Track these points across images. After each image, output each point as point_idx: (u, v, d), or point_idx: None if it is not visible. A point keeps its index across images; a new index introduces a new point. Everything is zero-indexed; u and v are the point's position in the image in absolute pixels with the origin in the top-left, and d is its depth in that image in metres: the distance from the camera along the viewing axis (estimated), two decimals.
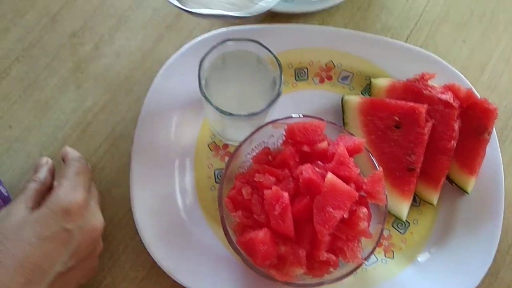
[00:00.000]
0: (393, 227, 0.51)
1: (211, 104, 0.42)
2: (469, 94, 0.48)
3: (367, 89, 0.55)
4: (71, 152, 0.45)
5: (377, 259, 0.50)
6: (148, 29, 0.58)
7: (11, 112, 0.53)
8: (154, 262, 0.47)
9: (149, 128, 0.51)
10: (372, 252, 0.44)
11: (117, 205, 0.51)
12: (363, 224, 0.42)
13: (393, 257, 0.50)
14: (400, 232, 0.51)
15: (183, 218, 0.49)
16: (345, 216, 0.41)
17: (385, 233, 0.51)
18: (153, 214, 0.48)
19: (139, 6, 0.58)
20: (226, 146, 0.53)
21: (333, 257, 0.42)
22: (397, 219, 0.50)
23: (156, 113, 0.52)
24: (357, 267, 0.44)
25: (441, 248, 0.50)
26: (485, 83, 0.59)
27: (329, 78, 0.56)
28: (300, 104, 0.55)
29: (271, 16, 0.58)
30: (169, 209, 0.49)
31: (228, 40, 0.43)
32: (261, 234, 0.41)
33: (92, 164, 0.52)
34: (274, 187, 0.42)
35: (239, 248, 0.43)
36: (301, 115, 0.48)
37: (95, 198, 0.45)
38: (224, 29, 0.55)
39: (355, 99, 0.52)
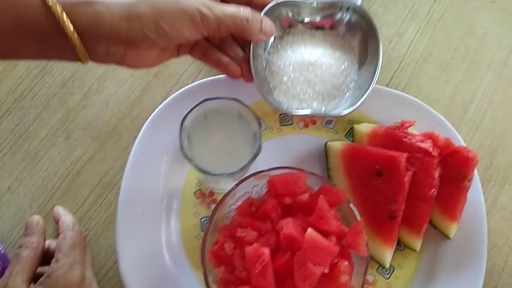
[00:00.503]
0: (378, 272, 0.52)
1: (192, 164, 0.43)
2: (448, 143, 0.49)
3: (351, 132, 0.56)
4: (64, 216, 0.47)
5: None
6: (136, 77, 0.59)
7: (1, 164, 0.55)
8: None
9: (136, 178, 0.52)
10: None
11: (105, 255, 0.52)
12: (344, 278, 0.43)
13: None
14: (384, 277, 0.52)
15: (169, 268, 0.50)
16: (326, 271, 0.42)
17: (370, 278, 0.52)
18: (139, 265, 0.49)
19: None
20: (212, 193, 0.54)
21: None
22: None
23: (143, 162, 0.53)
24: None
25: None
26: (469, 123, 0.59)
27: (313, 122, 0.57)
28: (285, 148, 0.56)
29: None
30: (156, 259, 0.50)
31: (208, 99, 0.44)
32: None
33: (81, 214, 0.53)
34: (255, 244, 0.42)
35: None
36: (283, 166, 0.48)
37: (90, 265, 0.46)
38: (210, 78, 0.56)
39: (338, 146, 0.53)
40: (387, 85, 0.60)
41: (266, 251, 0.42)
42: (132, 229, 0.50)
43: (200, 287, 0.50)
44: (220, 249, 0.45)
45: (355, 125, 0.54)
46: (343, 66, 0.50)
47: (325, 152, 0.54)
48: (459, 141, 0.53)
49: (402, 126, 0.51)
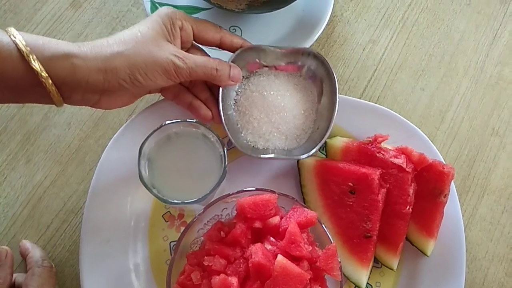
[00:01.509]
0: None
1: (152, 193, 0.41)
2: (422, 158, 0.47)
3: (324, 147, 0.54)
4: (32, 251, 0.44)
5: None
6: None
7: None
8: None
9: (99, 202, 0.50)
10: None
11: (70, 285, 0.50)
12: None
13: None
14: None
15: None
16: None
17: None
18: None
19: None
20: (181, 215, 0.52)
21: None
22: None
23: (107, 185, 0.50)
24: None
25: None
26: (446, 132, 0.58)
27: None
28: (257, 165, 0.54)
29: None
30: None
31: (172, 122, 0.42)
32: None
33: (44, 242, 0.51)
34: (222, 275, 0.40)
35: None
36: (253, 188, 0.46)
37: None
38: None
39: (310, 162, 0.51)
40: (361, 95, 0.58)
41: (235, 280, 0.40)
42: (97, 257, 0.48)
43: None
44: (186, 279, 0.43)
45: (328, 140, 0.53)
46: (304, 108, 0.52)
47: (298, 169, 0.52)
48: (435, 153, 0.52)
49: (375, 140, 0.49)
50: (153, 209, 0.51)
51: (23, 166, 0.53)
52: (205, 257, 0.43)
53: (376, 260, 0.50)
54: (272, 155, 0.49)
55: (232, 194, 0.46)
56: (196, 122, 0.43)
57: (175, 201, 0.41)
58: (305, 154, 0.49)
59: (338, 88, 0.51)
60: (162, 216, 0.51)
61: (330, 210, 0.50)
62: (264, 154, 0.49)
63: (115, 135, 0.51)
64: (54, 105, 0.40)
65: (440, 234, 0.50)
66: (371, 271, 0.50)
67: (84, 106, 0.42)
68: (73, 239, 0.51)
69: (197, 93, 0.49)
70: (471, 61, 0.61)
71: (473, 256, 0.53)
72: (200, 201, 0.41)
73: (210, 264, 0.42)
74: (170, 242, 0.51)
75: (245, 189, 0.46)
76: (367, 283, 0.50)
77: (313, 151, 0.49)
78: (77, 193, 0.53)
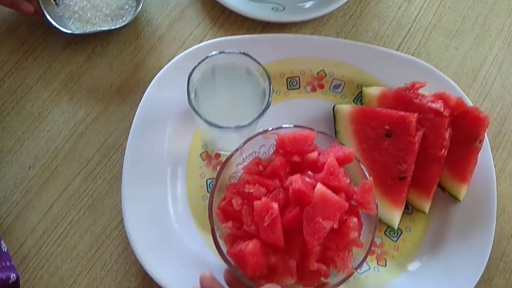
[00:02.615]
0: (386, 235, 0.51)
1: (200, 117, 0.42)
2: (460, 103, 0.48)
3: (359, 97, 0.55)
4: None
5: (369, 267, 0.50)
6: (141, 39, 0.58)
7: (4, 124, 0.54)
8: (146, 272, 0.47)
9: (141, 138, 0.51)
10: (363, 261, 0.44)
11: (110, 215, 0.51)
12: (353, 234, 0.42)
13: (386, 265, 0.50)
14: (392, 240, 0.51)
15: (175, 228, 0.49)
16: (335, 226, 0.41)
17: (378, 241, 0.51)
18: (145, 225, 0.49)
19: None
20: (218, 155, 0.53)
21: (324, 267, 0.42)
22: (389, 226, 0.50)
23: (148, 123, 0.52)
24: (348, 277, 0.43)
25: (434, 255, 0.50)
26: (478, 90, 0.59)
27: (321, 86, 0.56)
28: (292, 113, 0.55)
29: (262, 26, 0.59)
30: (161, 219, 0.50)
31: (217, 53, 0.44)
32: (251, 245, 0.41)
33: (85, 175, 0.53)
34: (264, 199, 0.42)
35: (229, 259, 0.43)
36: (291, 125, 0.48)
37: None
38: (216, 40, 0.55)
39: (346, 108, 0.52)
40: (396, 51, 0.59)
41: (275, 205, 0.41)
42: (138, 188, 0.50)
43: (206, 246, 0.49)
44: (227, 205, 0.44)
45: (364, 88, 0.54)
46: None
47: (333, 115, 0.53)
48: (470, 104, 0.53)
49: (413, 87, 0.50)
50: (191, 148, 0.53)
51: (66, 103, 0.55)
52: (246, 185, 0.44)
53: (406, 207, 0.52)
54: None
55: (272, 129, 0.47)
56: (245, 53, 0.44)
57: (221, 125, 0.42)
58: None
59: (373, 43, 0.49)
60: (200, 155, 0.53)
61: (364, 154, 0.51)
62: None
63: (156, 76, 0.53)
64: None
65: (472, 183, 0.51)
66: (402, 215, 0.51)
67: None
68: (113, 172, 0.53)
69: None
70: (504, 24, 0.62)
71: (502, 209, 0.54)
72: (244, 128, 0.42)
73: (250, 191, 0.43)
74: (207, 180, 0.52)
75: (284, 126, 0.47)
76: (398, 228, 0.51)
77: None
78: (118, 130, 0.54)
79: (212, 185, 0.51)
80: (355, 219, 0.43)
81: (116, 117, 0.55)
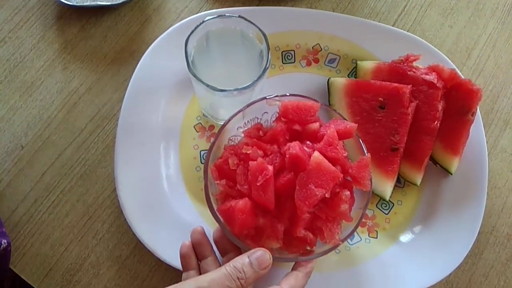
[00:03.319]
0: (377, 207, 0.51)
1: (200, 81, 0.42)
2: (453, 75, 0.48)
3: (354, 72, 0.55)
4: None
5: (360, 238, 0.50)
6: (135, 11, 0.58)
7: None
8: (138, 240, 0.47)
9: (134, 109, 0.51)
10: (350, 235, 0.44)
11: (102, 185, 0.51)
12: (344, 207, 0.42)
13: (377, 237, 0.50)
14: (384, 213, 0.51)
15: (167, 197, 0.49)
16: (327, 195, 0.41)
17: (369, 213, 0.51)
18: (137, 194, 0.49)
19: None
20: (212, 127, 0.53)
21: (311, 235, 0.42)
22: (381, 199, 0.51)
23: (141, 94, 0.52)
24: (333, 248, 0.43)
25: (425, 228, 0.50)
26: (471, 68, 0.59)
27: (316, 61, 0.56)
28: (287, 86, 0.55)
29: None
30: (154, 189, 0.49)
31: (214, 17, 0.43)
32: (241, 203, 0.41)
33: (78, 144, 0.52)
34: (260, 159, 0.41)
35: (219, 215, 0.43)
36: (297, 94, 0.47)
37: None
38: (210, 11, 0.55)
39: (341, 81, 0.52)
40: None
41: (270, 167, 0.41)
42: (131, 158, 0.50)
43: (198, 216, 0.49)
44: (223, 163, 0.44)
45: (358, 62, 0.54)
46: None
47: (328, 88, 0.53)
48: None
49: (407, 59, 0.50)
50: (184, 119, 0.53)
51: (59, 73, 0.55)
52: (244, 146, 0.44)
53: (398, 180, 0.52)
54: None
55: (277, 96, 0.47)
56: (240, 16, 0.44)
57: (222, 88, 0.42)
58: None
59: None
60: (193, 126, 0.53)
61: (358, 126, 0.50)
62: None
63: (152, 44, 0.53)
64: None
65: (464, 157, 0.51)
66: (394, 188, 0.51)
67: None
68: (106, 142, 0.52)
69: None
70: (499, 3, 0.62)
71: (493, 184, 0.54)
72: (245, 89, 0.42)
73: (248, 152, 0.43)
74: (201, 151, 0.52)
75: (289, 94, 0.47)
76: (390, 200, 0.51)
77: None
78: (111, 101, 0.54)
79: (206, 156, 0.51)
80: (348, 192, 0.43)
81: (110, 87, 0.55)
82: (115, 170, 0.49)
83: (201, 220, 0.49)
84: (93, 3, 0.55)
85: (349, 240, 0.50)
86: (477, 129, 0.52)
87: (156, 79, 0.53)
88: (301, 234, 0.41)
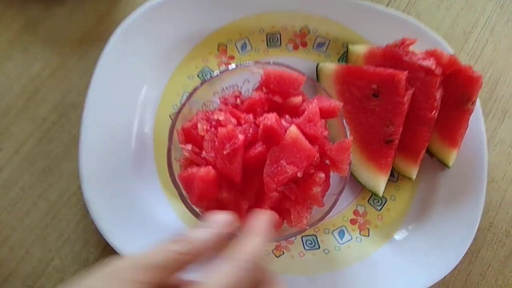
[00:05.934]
0: (369, 203, 0.48)
1: None
2: (453, 60, 0.44)
3: (344, 57, 0.51)
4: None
5: (351, 237, 0.46)
6: None
7: None
8: (107, 242, 0.43)
9: (102, 96, 0.46)
10: (318, 221, 0.40)
11: (67, 180, 0.46)
12: (316, 189, 0.38)
13: (369, 235, 0.47)
14: (376, 209, 0.48)
15: (140, 195, 0.45)
16: (299, 175, 0.37)
17: (360, 209, 0.48)
18: (105, 191, 0.44)
19: None
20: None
21: (277, 216, 0.39)
22: (374, 194, 0.47)
23: (110, 79, 0.47)
24: (298, 233, 0.40)
25: (420, 225, 0.47)
26: (469, 52, 0.55)
27: (304, 44, 0.51)
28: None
29: None
30: (124, 185, 0.45)
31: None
32: (204, 171, 0.37)
33: (39, 135, 0.47)
34: (230, 126, 0.37)
35: (178, 182, 0.39)
36: (283, 64, 0.43)
37: None
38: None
39: (330, 66, 0.48)
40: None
41: (241, 136, 0.37)
42: (98, 152, 0.45)
43: (173, 213, 0.45)
44: (192, 127, 0.40)
45: (349, 46, 0.49)
46: None
47: (316, 75, 0.49)
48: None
49: (403, 43, 0.46)
50: (159, 107, 0.48)
51: (19, 56, 0.49)
52: (217, 111, 0.40)
53: (392, 174, 0.48)
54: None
55: (260, 62, 0.42)
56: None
57: None
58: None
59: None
60: (170, 116, 0.48)
61: (349, 116, 0.47)
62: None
63: (122, 24, 0.47)
64: None
65: (462, 149, 0.47)
66: (387, 182, 0.47)
67: None
68: (71, 134, 0.47)
69: None
70: None
71: (491, 178, 0.51)
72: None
73: (219, 118, 0.39)
74: None
75: (274, 62, 0.43)
76: (383, 196, 0.47)
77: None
78: (77, 87, 0.49)
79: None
80: (323, 175, 0.39)
81: (76, 72, 0.49)
82: (79, 164, 0.44)
83: (175, 218, 0.45)
84: None
85: (339, 239, 0.46)
86: (477, 119, 0.48)
87: (127, 64, 0.47)
88: None
